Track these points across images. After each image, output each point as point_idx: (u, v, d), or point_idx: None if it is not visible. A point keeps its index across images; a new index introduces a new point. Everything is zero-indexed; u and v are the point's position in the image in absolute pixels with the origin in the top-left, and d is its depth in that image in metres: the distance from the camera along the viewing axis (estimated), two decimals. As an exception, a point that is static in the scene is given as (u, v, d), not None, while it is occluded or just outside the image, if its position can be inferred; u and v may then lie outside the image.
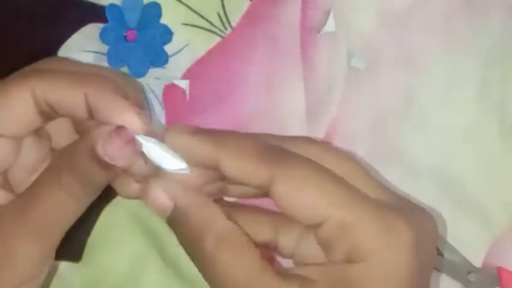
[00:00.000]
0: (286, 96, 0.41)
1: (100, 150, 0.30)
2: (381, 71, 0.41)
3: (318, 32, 0.41)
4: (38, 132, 0.33)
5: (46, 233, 0.31)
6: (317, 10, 0.41)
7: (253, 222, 0.32)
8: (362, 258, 0.28)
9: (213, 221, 0.29)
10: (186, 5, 0.41)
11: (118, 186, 0.32)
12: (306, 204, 0.28)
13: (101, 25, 0.41)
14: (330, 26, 0.41)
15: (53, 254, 0.32)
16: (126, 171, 0.31)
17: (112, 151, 0.30)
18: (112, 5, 0.40)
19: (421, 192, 0.40)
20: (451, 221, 0.40)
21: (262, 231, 0.32)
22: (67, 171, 0.30)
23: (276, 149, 0.29)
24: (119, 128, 0.30)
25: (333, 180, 0.29)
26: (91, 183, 0.30)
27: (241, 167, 0.29)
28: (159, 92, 0.41)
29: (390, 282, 0.28)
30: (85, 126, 0.33)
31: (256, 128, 0.41)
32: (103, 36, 0.40)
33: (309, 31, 0.41)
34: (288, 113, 0.41)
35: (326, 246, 0.29)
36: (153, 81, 0.41)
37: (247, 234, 0.29)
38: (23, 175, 0.33)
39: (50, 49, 0.41)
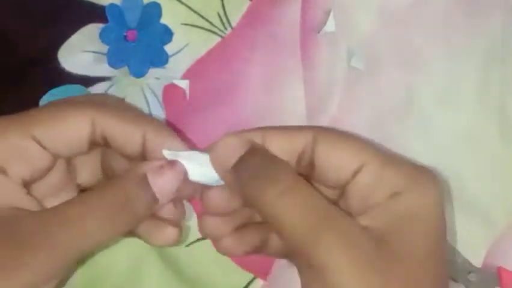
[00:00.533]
0: (286, 96, 0.41)
1: (150, 179, 0.32)
2: (381, 71, 0.41)
3: (318, 32, 0.41)
4: (67, 162, 0.35)
5: (64, 252, 0.31)
6: (317, 10, 0.41)
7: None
8: (405, 189, 0.30)
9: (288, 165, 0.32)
10: (186, 5, 0.41)
11: (152, 233, 0.34)
12: (347, 153, 0.31)
13: (101, 25, 0.41)
14: (330, 26, 0.41)
15: (61, 276, 0.32)
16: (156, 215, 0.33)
17: (162, 182, 0.32)
18: (112, 5, 0.40)
19: None
20: (451, 221, 0.40)
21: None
22: (109, 200, 0.31)
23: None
24: (173, 162, 0.32)
25: (365, 140, 0.32)
26: (128, 214, 0.32)
27: (287, 133, 0.32)
28: (159, 92, 0.41)
29: (432, 210, 0.31)
30: (113, 168, 0.35)
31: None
32: (103, 36, 0.40)
33: (309, 31, 0.41)
34: (288, 113, 0.41)
35: (366, 191, 0.31)
36: (153, 81, 0.41)
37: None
38: (45, 193, 0.34)
39: (50, 49, 0.41)
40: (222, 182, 0.33)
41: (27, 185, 0.33)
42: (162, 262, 0.40)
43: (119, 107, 0.35)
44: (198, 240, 0.41)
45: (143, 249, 0.40)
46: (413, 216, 0.30)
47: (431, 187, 0.31)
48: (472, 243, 0.40)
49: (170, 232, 0.34)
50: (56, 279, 0.32)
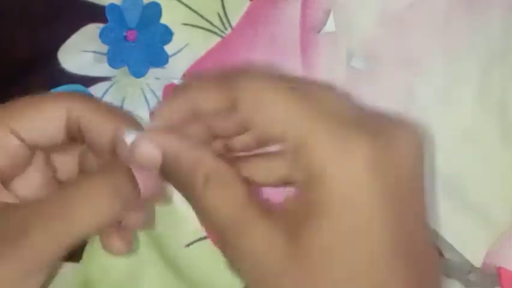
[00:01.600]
0: (286, 96, 0.41)
1: (135, 171, 0.31)
2: (381, 71, 0.41)
3: (318, 32, 0.41)
4: (46, 160, 0.34)
5: (55, 239, 0.30)
6: (317, 10, 0.41)
7: (264, 163, 0.31)
8: (320, 177, 0.26)
9: (201, 161, 0.29)
10: (186, 5, 0.41)
11: (104, 239, 0.33)
12: (268, 120, 0.28)
13: (101, 25, 0.41)
14: (330, 26, 0.41)
15: (51, 266, 0.31)
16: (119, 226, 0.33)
17: (146, 176, 0.31)
18: (112, 5, 0.40)
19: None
20: (451, 221, 0.40)
21: (277, 169, 0.31)
22: (98, 187, 0.31)
23: (237, 74, 0.29)
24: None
25: (293, 97, 0.28)
26: (117, 200, 0.31)
27: (206, 95, 0.30)
28: (159, 92, 0.41)
29: (349, 203, 0.26)
30: (89, 165, 0.34)
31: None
32: (103, 36, 0.40)
33: (309, 31, 0.41)
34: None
35: (290, 167, 0.28)
36: (153, 81, 0.41)
37: (235, 172, 0.29)
38: (25, 191, 0.34)
39: (50, 49, 0.41)
40: None
41: (5, 179, 0.33)
42: (162, 262, 0.40)
43: (97, 102, 0.35)
44: (198, 240, 0.41)
45: (143, 249, 0.40)
46: (325, 209, 0.26)
47: (357, 173, 0.26)
48: (472, 243, 0.40)
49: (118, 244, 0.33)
50: (46, 270, 0.31)
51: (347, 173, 0.26)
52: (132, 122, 0.33)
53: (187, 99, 0.30)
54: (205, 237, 0.40)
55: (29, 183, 0.34)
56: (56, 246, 0.30)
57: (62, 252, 0.31)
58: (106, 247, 0.33)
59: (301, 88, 0.29)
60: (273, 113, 0.28)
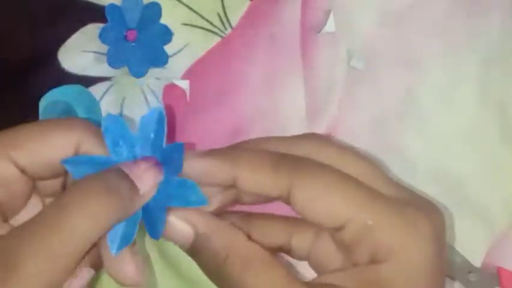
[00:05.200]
0: (286, 96, 0.41)
1: (125, 169, 0.30)
2: (381, 71, 0.41)
3: (318, 32, 0.41)
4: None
5: (58, 261, 0.28)
6: (317, 10, 0.41)
7: (266, 227, 0.33)
8: (386, 257, 0.28)
9: (236, 244, 0.30)
10: (186, 5, 0.41)
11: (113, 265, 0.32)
12: (327, 209, 0.29)
13: (101, 25, 0.41)
14: (330, 26, 0.41)
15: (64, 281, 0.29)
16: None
17: (138, 170, 0.30)
18: (112, 5, 0.40)
19: (421, 192, 0.40)
20: (450, 220, 0.40)
21: (276, 235, 0.33)
22: (92, 193, 0.29)
23: (290, 158, 0.30)
24: (146, 157, 0.31)
25: (352, 184, 0.30)
26: (114, 201, 0.29)
27: (259, 180, 0.30)
28: (159, 92, 0.41)
29: (417, 277, 0.28)
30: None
31: (256, 128, 0.41)
32: (103, 36, 0.40)
33: (309, 31, 0.41)
34: (288, 113, 0.41)
35: (347, 249, 0.30)
36: (153, 81, 0.41)
37: (270, 254, 0.30)
38: (14, 210, 0.32)
39: (50, 49, 0.41)
40: None
41: (7, 212, 0.31)
42: (162, 262, 0.40)
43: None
44: (198, 240, 0.41)
45: (143, 249, 0.40)
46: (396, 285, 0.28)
47: (422, 249, 0.29)
48: (472, 243, 0.40)
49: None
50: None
51: (416, 250, 0.29)
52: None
53: (233, 172, 0.30)
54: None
55: (15, 202, 0.31)
56: (54, 269, 0.27)
57: (68, 271, 0.28)
58: (116, 274, 0.31)
59: (351, 169, 0.30)
60: (335, 202, 0.29)
